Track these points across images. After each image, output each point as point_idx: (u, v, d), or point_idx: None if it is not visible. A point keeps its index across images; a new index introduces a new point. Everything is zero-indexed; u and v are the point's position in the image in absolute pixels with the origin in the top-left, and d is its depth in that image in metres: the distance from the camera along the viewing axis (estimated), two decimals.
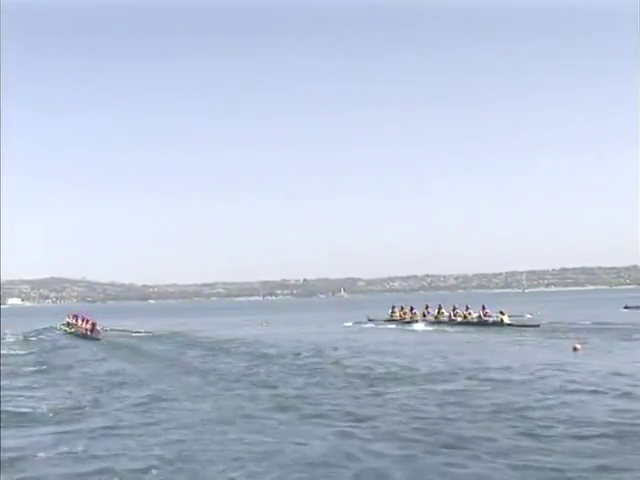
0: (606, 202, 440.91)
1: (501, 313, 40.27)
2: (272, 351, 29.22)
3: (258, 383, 19.40)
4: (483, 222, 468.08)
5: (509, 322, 39.02)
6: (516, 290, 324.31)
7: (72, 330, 44.39)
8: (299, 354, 27.64)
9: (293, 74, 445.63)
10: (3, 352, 32.79)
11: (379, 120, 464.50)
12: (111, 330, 44.21)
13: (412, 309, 47.28)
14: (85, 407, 16.07)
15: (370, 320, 48.36)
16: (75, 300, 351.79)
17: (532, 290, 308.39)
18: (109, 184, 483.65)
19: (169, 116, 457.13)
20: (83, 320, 43.68)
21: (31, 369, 25.57)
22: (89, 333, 40.92)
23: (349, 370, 21.79)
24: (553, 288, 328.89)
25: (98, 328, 41.75)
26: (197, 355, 29.58)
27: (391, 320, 47.03)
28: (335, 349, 29.53)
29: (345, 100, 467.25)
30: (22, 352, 34.09)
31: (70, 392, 18.69)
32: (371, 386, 18.09)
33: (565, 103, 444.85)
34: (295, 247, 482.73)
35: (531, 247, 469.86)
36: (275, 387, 18.52)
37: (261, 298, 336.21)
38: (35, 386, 20.51)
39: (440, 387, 17.64)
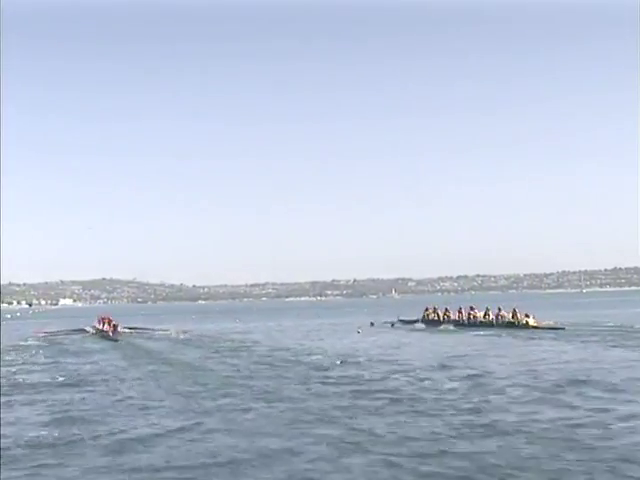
0: None
1: (526, 316, 38.40)
2: (450, 393, 15.50)
3: None
4: (534, 222, 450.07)
5: (534, 325, 37.08)
6: (570, 290, 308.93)
7: (97, 332, 43.74)
8: (454, 389, 16.26)
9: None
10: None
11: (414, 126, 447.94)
12: (134, 331, 44.06)
13: (447, 310, 45.02)
14: None
15: (401, 321, 47.36)
16: (126, 301, 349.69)
17: (588, 290, 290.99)
18: (159, 186, 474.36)
19: (214, 121, 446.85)
20: (108, 322, 43.31)
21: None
22: (111, 334, 40.71)
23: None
24: (608, 288, 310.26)
25: (119, 330, 42.53)
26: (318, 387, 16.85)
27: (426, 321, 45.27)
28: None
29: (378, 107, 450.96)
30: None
31: None
32: None
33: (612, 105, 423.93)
34: (345, 247, 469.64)
35: (583, 247, 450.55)
36: None
37: (314, 299, 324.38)
38: None
39: None
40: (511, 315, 39.42)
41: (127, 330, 43.94)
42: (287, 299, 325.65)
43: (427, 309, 46.64)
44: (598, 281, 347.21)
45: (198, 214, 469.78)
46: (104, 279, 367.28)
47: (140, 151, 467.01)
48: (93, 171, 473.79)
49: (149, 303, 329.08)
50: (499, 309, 41.19)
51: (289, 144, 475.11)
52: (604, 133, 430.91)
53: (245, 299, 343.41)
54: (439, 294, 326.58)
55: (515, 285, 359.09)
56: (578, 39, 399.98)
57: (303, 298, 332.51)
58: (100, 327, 43.87)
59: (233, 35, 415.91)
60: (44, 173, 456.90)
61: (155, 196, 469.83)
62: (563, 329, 34.95)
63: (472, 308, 42.94)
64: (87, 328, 45.89)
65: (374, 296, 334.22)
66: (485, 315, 41.55)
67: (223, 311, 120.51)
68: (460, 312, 43.36)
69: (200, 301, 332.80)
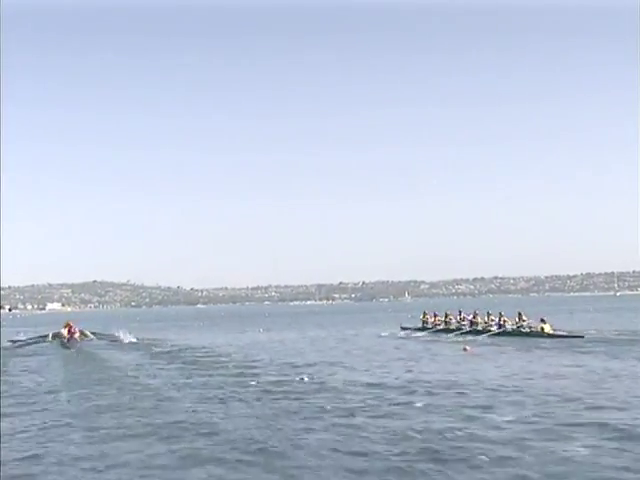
0: None
1: (542, 322, 35.47)
2: None
3: None
4: (555, 220, 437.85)
5: (550, 332, 34.45)
6: (597, 293, 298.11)
7: (55, 339, 41.52)
8: None
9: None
10: None
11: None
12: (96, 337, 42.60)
13: (447, 316, 42.96)
14: None
15: (403, 329, 45.17)
16: (119, 305, 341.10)
17: (622, 293, 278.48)
18: (153, 184, 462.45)
19: (212, 116, 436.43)
20: (68, 329, 41.60)
21: None
22: (67, 342, 38.95)
23: None
24: (639, 291, 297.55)
25: (76, 336, 40.70)
26: None
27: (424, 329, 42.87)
28: None
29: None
30: None
31: None
32: None
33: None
34: (352, 247, 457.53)
35: (608, 247, 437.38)
36: None
37: (320, 302, 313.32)
38: None
39: None
40: (517, 320, 37.24)
41: (90, 336, 42.40)
42: (292, 303, 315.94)
43: (425, 314, 44.77)
44: (626, 283, 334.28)
45: (195, 212, 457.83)
46: (95, 282, 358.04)
47: (133, 147, 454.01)
48: (82, 168, 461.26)
49: (144, 307, 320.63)
50: (500, 314, 38.82)
51: (292, 140, 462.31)
52: (630, 128, 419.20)
53: (247, 303, 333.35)
54: (454, 297, 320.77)
55: (536, 288, 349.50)
56: (579, 37, 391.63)
57: (309, 302, 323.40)
58: (61, 334, 41.78)
59: (232, 30, 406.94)
60: (31, 171, 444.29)
61: (149, 194, 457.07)
62: (582, 337, 32.71)
63: (475, 314, 40.53)
64: (49, 336, 43.06)
65: (385, 299, 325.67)
66: (488, 321, 39.26)
67: (230, 317, 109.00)
68: (462, 317, 41.65)
69: (199, 305, 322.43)
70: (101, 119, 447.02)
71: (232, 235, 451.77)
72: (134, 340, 40.10)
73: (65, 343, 38.65)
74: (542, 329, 34.74)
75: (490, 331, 37.01)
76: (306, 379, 19.82)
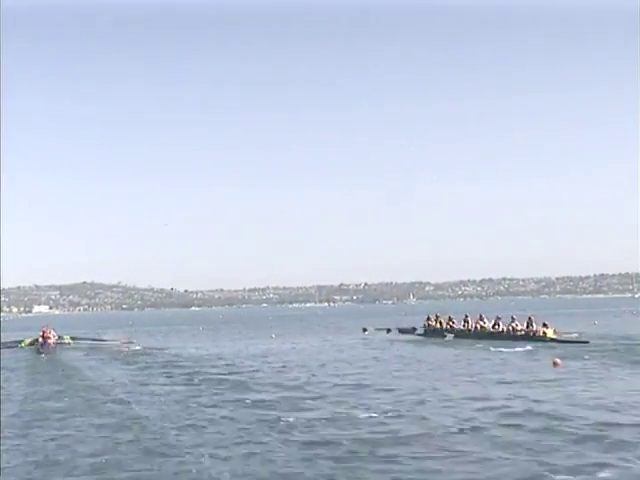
0: None
1: (544, 326, 35.38)
2: None
3: None
4: (567, 220, 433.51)
5: (554, 337, 34.44)
6: (611, 295, 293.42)
7: (30, 344, 39.80)
8: None
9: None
10: None
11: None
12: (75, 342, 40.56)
13: (450, 319, 42.81)
14: None
15: (401, 332, 44.71)
16: (109, 307, 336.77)
17: None
18: (145, 181, 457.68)
19: (206, 113, 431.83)
20: (42, 333, 39.59)
21: None
22: (41, 348, 37.84)
23: None
24: None
25: (50, 342, 38.97)
26: None
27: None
28: None
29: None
30: None
31: None
32: None
33: None
34: (353, 247, 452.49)
35: (623, 247, 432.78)
36: None
37: (321, 305, 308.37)
38: None
39: None
40: (526, 325, 36.56)
41: (68, 341, 40.80)
42: (291, 305, 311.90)
43: (429, 317, 44.58)
44: None
45: (190, 213, 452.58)
46: (85, 283, 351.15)
47: (128, 146, 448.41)
48: (72, 166, 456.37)
49: (135, 310, 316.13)
50: (512, 319, 38.10)
51: (291, 138, 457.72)
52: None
53: (244, 305, 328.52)
54: (461, 299, 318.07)
55: (547, 289, 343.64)
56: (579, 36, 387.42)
57: (308, 304, 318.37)
58: (36, 340, 40.36)
59: (231, 25, 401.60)
60: (19, 169, 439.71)
61: (141, 192, 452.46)
62: (587, 342, 32.36)
63: (481, 317, 40.51)
64: (25, 341, 41.17)
65: (389, 301, 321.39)
66: (495, 325, 38.99)
67: (229, 320, 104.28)
68: (466, 321, 41.32)
69: (193, 308, 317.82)
70: (98, 118, 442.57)
71: (228, 235, 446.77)
72: (125, 347, 36.74)
73: (39, 350, 37.35)
74: (544, 333, 34.84)
75: (502, 335, 36.92)
76: (371, 414, 14.59)
